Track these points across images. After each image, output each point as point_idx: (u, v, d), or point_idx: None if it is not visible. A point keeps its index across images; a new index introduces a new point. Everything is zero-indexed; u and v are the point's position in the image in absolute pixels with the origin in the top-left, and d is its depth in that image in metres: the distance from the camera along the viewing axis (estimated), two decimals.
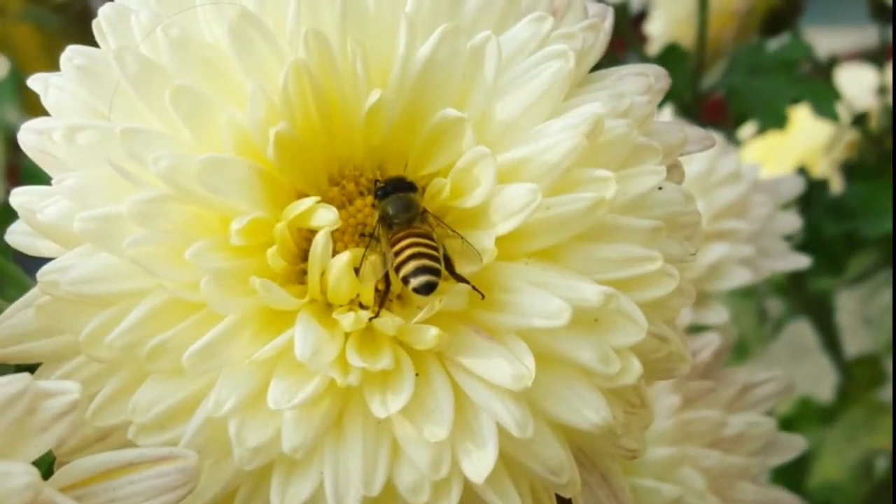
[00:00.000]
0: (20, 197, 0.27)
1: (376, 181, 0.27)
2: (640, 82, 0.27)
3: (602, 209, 0.25)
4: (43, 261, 0.28)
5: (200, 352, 0.25)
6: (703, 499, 0.40)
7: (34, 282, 0.26)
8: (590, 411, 0.25)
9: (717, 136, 0.35)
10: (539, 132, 0.25)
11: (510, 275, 0.25)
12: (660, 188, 0.26)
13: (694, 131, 0.28)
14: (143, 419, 0.25)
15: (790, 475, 0.61)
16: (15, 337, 0.27)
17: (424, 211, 0.27)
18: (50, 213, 0.26)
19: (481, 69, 0.26)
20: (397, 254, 0.25)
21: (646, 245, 0.25)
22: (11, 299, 0.28)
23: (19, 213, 0.27)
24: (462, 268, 0.26)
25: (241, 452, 0.25)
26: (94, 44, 0.27)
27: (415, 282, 0.25)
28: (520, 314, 0.25)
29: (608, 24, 0.28)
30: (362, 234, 0.27)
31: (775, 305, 0.77)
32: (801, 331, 0.77)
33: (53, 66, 0.28)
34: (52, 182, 0.26)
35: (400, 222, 0.26)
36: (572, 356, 0.25)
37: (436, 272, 0.25)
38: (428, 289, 0.25)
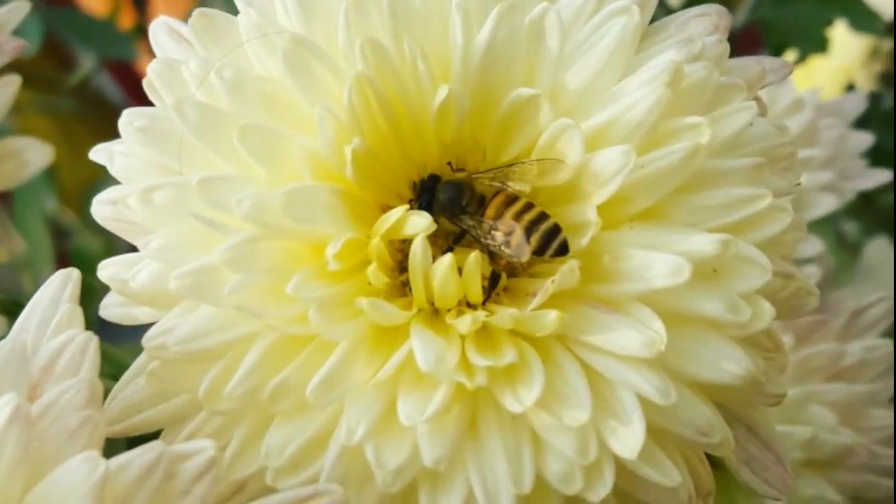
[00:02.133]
0: (109, 269, 0.27)
1: (410, 200, 0.27)
2: (705, 22, 0.26)
3: (699, 156, 0.24)
4: (125, 332, 0.27)
5: (322, 383, 0.24)
6: (837, 433, 0.39)
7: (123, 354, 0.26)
8: (730, 363, 0.24)
9: None
10: (618, 92, 0.25)
11: (618, 242, 0.25)
12: (750, 124, 0.25)
13: (770, 61, 0.27)
14: (278, 462, 0.25)
15: None
16: (132, 408, 0.26)
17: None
18: (142, 279, 0.26)
19: (544, 42, 0.25)
20: (507, 234, 0.25)
21: (751, 184, 0.24)
22: (107, 376, 0.28)
23: (110, 285, 0.27)
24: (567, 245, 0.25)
25: (384, 475, 0.24)
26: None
27: (550, 249, 0.25)
28: (637, 279, 0.24)
29: None
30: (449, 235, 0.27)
31: (850, 229, 0.75)
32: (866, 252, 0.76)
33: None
34: (139, 247, 0.26)
35: (456, 208, 0.26)
36: (700, 311, 0.24)
37: (557, 228, 0.25)
38: (563, 249, 0.25)
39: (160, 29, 0.28)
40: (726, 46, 0.26)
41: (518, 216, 0.25)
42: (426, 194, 0.26)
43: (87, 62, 0.84)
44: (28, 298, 0.27)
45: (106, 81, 0.98)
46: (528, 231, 0.25)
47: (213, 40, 0.26)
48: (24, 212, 0.73)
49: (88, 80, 0.85)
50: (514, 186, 0.26)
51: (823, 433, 0.39)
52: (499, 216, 0.25)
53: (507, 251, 0.25)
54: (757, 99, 0.27)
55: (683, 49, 0.25)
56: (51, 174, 0.82)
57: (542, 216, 0.25)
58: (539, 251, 0.25)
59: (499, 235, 0.25)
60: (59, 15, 0.83)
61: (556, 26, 0.25)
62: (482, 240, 0.25)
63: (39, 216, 0.75)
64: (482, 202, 0.26)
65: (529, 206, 0.25)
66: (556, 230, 0.25)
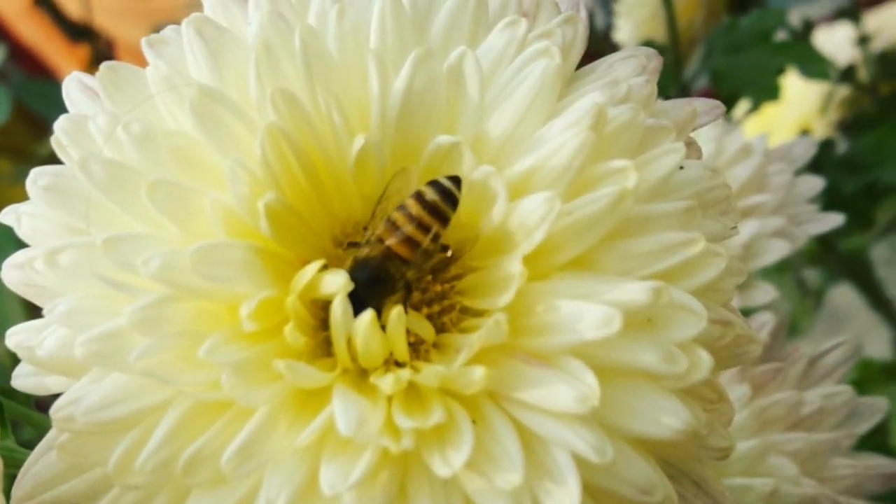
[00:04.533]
0: (15, 337, 0.25)
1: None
2: (632, 65, 0.26)
3: (627, 202, 0.23)
4: None
5: (238, 453, 0.23)
6: (799, 484, 0.37)
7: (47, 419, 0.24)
8: (668, 417, 0.23)
9: None
10: (541, 137, 0.24)
11: (546, 293, 0.23)
12: (681, 167, 0.24)
13: (701, 103, 0.26)
14: None
15: (871, 441, 0.59)
16: (43, 484, 0.25)
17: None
18: (49, 346, 0.24)
19: (464, 88, 0.24)
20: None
21: (682, 228, 0.23)
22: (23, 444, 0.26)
23: (18, 354, 0.25)
24: (491, 300, 0.24)
25: None
26: None
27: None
28: (567, 331, 0.23)
29: (584, 14, 0.26)
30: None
31: (811, 276, 0.74)
32: (832, 298, 0.75)
33: None
34: (44, 312, 0.24)
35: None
36: (634, 362, 0.23)
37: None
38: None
39: (72, 85, 0.27)
40: (654, 88, 0.25)
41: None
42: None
43: None
44: None
45: None
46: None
47: (121, 94, 0.25)
48: None
49: None
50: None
51: (785, 485, 0.37)
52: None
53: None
54: (689, 142, 0.26)
55: (608, 91, 0.24)
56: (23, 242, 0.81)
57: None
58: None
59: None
60: (30, 86, 0.82)
61: (475, 72, 0.24)
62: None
63: None
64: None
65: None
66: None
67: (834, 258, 0.70)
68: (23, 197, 0.26)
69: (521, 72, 0.24)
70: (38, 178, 0.25)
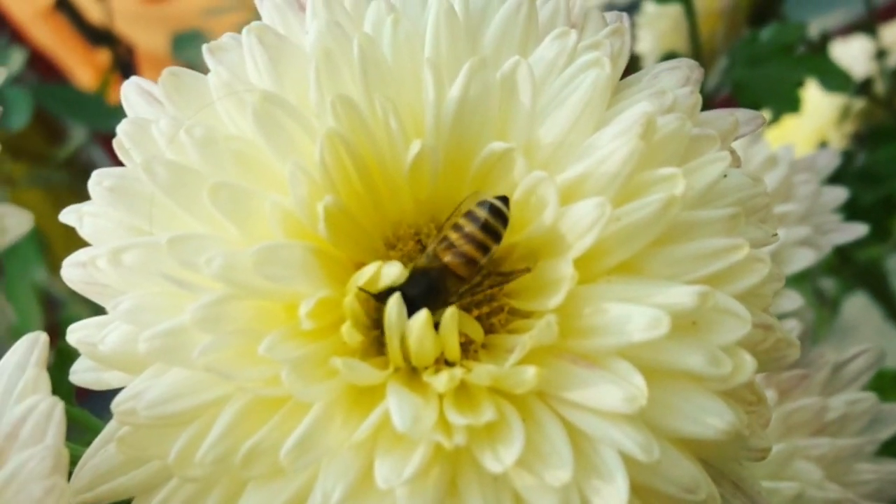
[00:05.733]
0: (77, 332, 0.26)
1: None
2: (676, 75, 0.26)
3: (674, 208, 0.24)
4: (103, 398, 0.27)
5: (296, 447, 0.23)
6: (824, 488, 0.38)
7: (102, 422, 0.25)
8: (713, 418, 0.23)
9: None
10: (591, 145, 0.24)
11: (595, 296, 0.24)
12: (725, 175, 0.25)
13: (742, 113, 0.27)
14: None
15: (891, 447, 0.60)
16: (101, 476, 0.26)
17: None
18: (111, 342, 0.25)
19: (516, 96, 0.25)
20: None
21: (727, 235, 0.24)
22: (86, 444, 0.27)
23: (79, 349, 0.26)
24: (541, 302, 0.25)
25: None
26: None
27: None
28: (616, 333, 0.23)
29: (627, 25, 0.27)
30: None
31: (828, 285, 0.75)
32: (844, 308, 0.76)
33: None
34: (108, 309, 0.25)
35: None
36: (680, 364, 0.23)
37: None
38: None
39: (131, 89, 0.28)
40: (698, 98, 0.26)
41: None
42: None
43: (77, 135, 0.85)
44: None
45: (97, 153, 0.98)
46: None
47: (183, 99, 0.26)
48: (14, 282, 0.73)
49: (79, 153, 0.86)
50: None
51: (810, 489, 0.38)
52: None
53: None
54: (730, 151, 0.27)
55: (655, 101, 0.25)
56: (42, 245, 0.82)
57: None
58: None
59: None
60: (49, 91, 0.83)
61: (527, 80, 0.25)
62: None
63: (29, 286, 0.74)
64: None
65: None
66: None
67: (850, 268, 0.71)
68: (38, 200, 0.26)
69: (572, 81, 0.25)
70: (101, 179, 0.26)
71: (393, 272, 0.24)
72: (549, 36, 0.26)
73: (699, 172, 0.25)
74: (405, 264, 0.26)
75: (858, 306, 0.77)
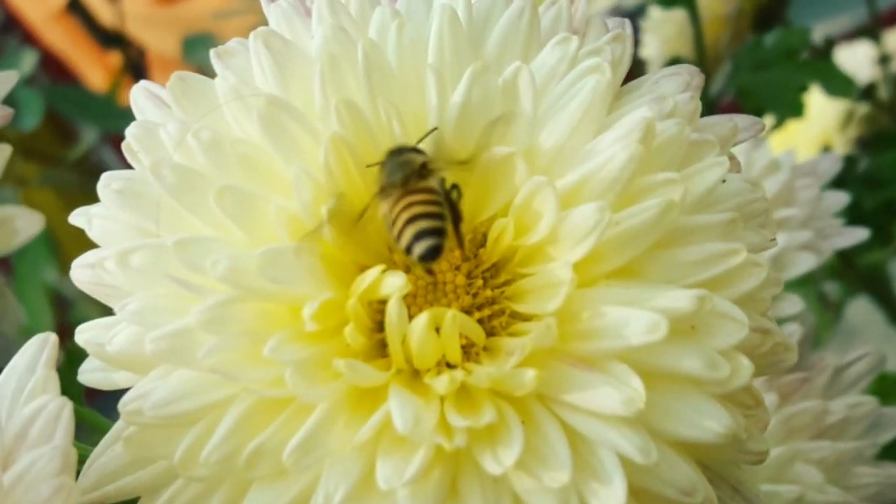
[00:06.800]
0: (86, 333, 0.26)
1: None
2: (677, 81, 0.27)
3: (673, 213, 0.24)
4: (113, 398, 0.27)
5: (299, 447, 0.24)
6: (824, 492, 0.38)
7: (111, 422, 0.26)
8: (710, 422, 0.24)
9: None
10: (591, 150, 0.25)
11: (594, 300, 0.25)
12: (723, 181, 0.25)
13: (742, 119, 0.28)
14: None
15: (891, 451, 0.60)
16: (108, 475, 0.26)
17: (425, 167, 0.25)
18: (119, 343, 0.25)
19: (518, 102, 0.25)
20: (394, 224, 0.25)
21: (725, 239, 0.25)
22: (95, 444, 0.27)
23: (87, 350, 0.26)
24: (541, 305, 0.25)
25: None
26: None
27: (417, 250, 0.24)
28: (614, 337, 0.24)
29: (629, 31, 0.28)
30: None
31: (831, 290, 0.75)
32: (846, 312, 0.76)
33: None
34: (115, 311, 0.26)
35: (396, 187, 0.25)
36: (678, 368, 0.24)
37: (438, 231, 0.24)
38: (434, 254, 0.24)
39: (140, 93, 0.28)
40: (698, 104, 0.26)
41: (407, 207, 0.25)
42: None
43: (88, 136, 0.85)
44: None
45: (108, 155, 0.98)
46: (406, 224, 0.24)
47: (190, 103, 0.27)
48: (25, 283, 0.73)
49: (90, 154, 0.86)
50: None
51: (811, 492, 0.38)
52: (398, 206, 0.25)
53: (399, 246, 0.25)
54: (730, 156, 0.27)
55: (655, 106, 0.25)
56: (52, 245, 0.83)
57: (429, 213, 0.24)
58: (407, 252, 0.24)
59: (395, 229, 0.25)
60: (61, 92, 0.83)
61: (529, 86, 0.25)
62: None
63: (40, 287, 0.75)
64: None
65: (423, 195, 0.25)
66: (431, 233, 0.24)
67: (853, 272, 0.71)
68: (49, 200, 0.27)
69: (573, 87, 0.25)
70: (110, 181, 0.26)
71: (395, 283, 0.25)
72: (551, 42, 0.26)
73: (698, 177, 0.25)
74: (408, 268, 0.26)
75: (862, 310, 0.77)
